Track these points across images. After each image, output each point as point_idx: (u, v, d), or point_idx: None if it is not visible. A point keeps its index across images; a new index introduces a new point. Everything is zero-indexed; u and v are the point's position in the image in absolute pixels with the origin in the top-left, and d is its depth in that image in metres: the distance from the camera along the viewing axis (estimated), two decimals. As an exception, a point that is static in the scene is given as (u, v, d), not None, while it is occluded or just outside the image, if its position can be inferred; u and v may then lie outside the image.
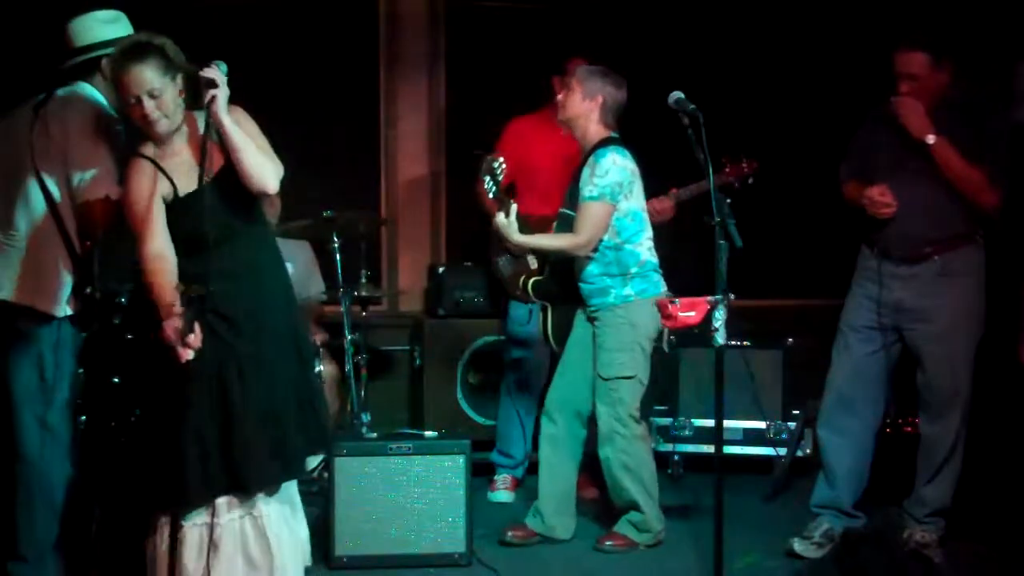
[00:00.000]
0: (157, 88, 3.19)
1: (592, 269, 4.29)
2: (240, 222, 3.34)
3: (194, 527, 3.34)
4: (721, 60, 5.93)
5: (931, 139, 4.00)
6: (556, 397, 4.42)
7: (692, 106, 3.54)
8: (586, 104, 4.26)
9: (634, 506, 4.34)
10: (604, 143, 4.25)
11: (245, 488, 3.33)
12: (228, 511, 3.35)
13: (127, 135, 3.50)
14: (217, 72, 3.17)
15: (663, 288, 4.32)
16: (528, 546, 4.38)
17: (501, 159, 4.26)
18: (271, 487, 3.40)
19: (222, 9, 5.46)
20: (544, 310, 4.52)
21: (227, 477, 3.29)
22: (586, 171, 4.22)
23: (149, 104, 3.19)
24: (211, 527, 3.32)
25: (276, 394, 3.37)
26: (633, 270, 4.27)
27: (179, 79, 3.25)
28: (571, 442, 4.41)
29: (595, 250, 4.26)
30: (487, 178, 4.24)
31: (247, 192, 3.31)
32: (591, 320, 4.36)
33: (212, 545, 3.33)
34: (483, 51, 5.88)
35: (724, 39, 5.99)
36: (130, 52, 3.20)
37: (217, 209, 3.24)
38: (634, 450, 4.30)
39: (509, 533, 4.41)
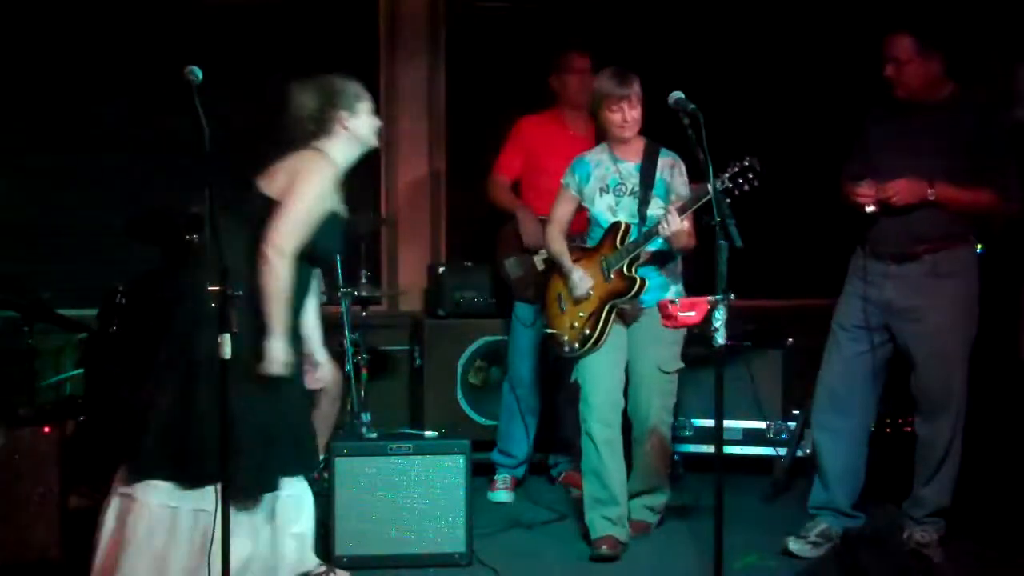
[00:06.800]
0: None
1: (653, 270, 4.28)
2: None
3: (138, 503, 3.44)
4: (721, 60, 5.93)
5: (932, 194, 3.98)
6: (608, 401, 4.32)
7: (692, 106, 3.53)
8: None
9: (662, 486, 4.54)
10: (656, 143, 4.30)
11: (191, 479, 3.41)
12: (162, 497, 3.43)
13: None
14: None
15: None
16: (541, 535, 4.52)
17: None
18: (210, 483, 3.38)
19: (222, 9, 5.45)
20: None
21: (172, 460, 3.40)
22: (673, 171, 4.25)
23: None
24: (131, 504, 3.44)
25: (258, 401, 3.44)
26: (679, 269, 4.38)
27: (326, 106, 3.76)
28: (620, 441, 4.39)
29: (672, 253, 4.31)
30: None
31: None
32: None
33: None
34: (483, 51, 5.88)
35: (724, 39, 5.99)
36: None
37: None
38: (670, 438, 4.54)
39: (604, 547, 4.23)
